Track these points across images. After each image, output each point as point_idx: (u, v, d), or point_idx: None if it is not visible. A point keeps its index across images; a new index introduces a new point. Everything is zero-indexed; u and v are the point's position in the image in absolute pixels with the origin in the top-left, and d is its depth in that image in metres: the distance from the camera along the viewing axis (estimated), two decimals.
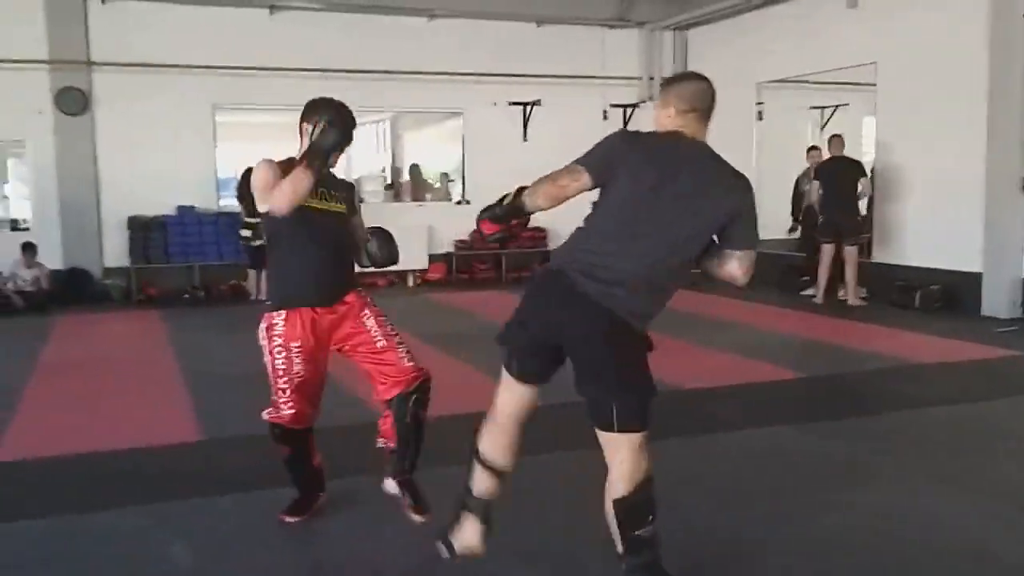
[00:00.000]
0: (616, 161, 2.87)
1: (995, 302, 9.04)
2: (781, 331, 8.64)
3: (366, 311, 3.74)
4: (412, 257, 12.63)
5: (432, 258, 12.80)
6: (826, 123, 14.76)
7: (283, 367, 3.60)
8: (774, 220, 13.38)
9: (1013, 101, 8.78)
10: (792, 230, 12.10)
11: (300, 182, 3.37)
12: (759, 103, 12.53)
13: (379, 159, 17.02)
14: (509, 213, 3.07)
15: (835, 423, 5.31)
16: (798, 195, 10.83)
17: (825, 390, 6.30)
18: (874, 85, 11.96)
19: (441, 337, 8.25)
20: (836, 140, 10.26)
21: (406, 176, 14.63)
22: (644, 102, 13.53)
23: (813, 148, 11.00)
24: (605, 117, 13.37)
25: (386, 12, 12.19)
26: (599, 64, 13.23)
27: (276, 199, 3.40)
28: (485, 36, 12.71)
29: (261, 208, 3.54)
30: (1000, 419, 5.41)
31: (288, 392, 3.62)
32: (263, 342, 3.63)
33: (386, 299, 11.49)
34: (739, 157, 12.07)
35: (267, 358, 3.63)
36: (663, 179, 2.82)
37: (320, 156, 3.45)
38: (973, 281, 9.22)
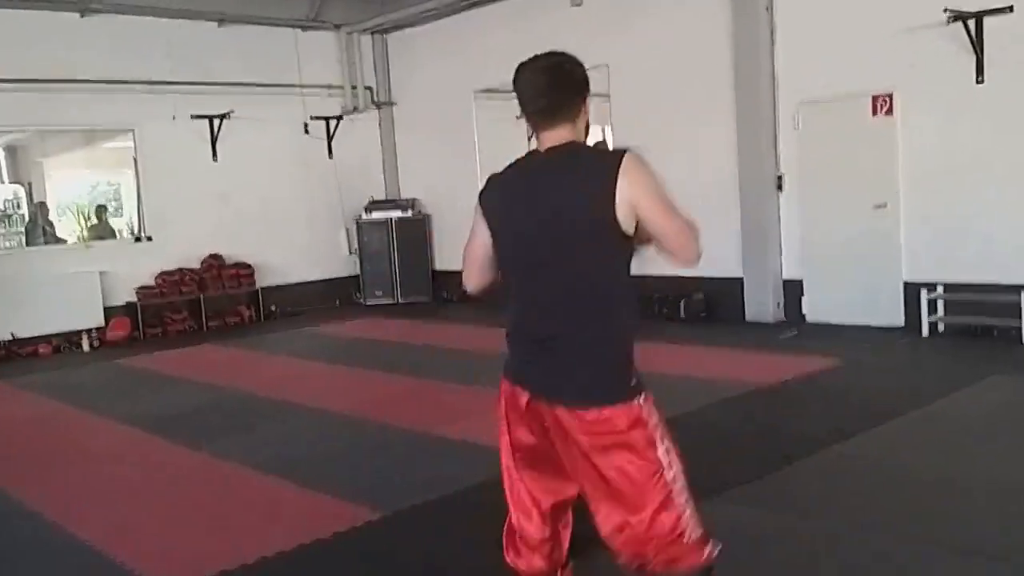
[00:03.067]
0: None
1: (758, 307, 8.78)
2: None
3: None
4: (84, 314, 10.09)
5: (109, 312, 10.29)
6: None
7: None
8: None
9: (761, 97, 8.57)
10: None
11: None
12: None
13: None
14: None
15: (753, 485, 4.29)
16: None
17: (708, 439, 5.27)
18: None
19: (173, 421, 6.23)
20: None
21: (59, 214, 11.86)
22: (349, 113, 12.06)
23: None
24: (307, 131, 11.71)
25: (23, 5, 9.55)
26: (295, 71, 11.51)
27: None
28: (156, 37, 10.46)
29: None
30: (892, 455, 4.73)
31: None
32: (660, 433, 2.31)
33: (61, 375, 8.90)
34: (465, 176, 10.91)
35: (673, 456, 2.31)
36: None
37: None
38: (734, 287, 8.92)
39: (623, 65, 9.68)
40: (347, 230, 12.20)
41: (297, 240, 11.75)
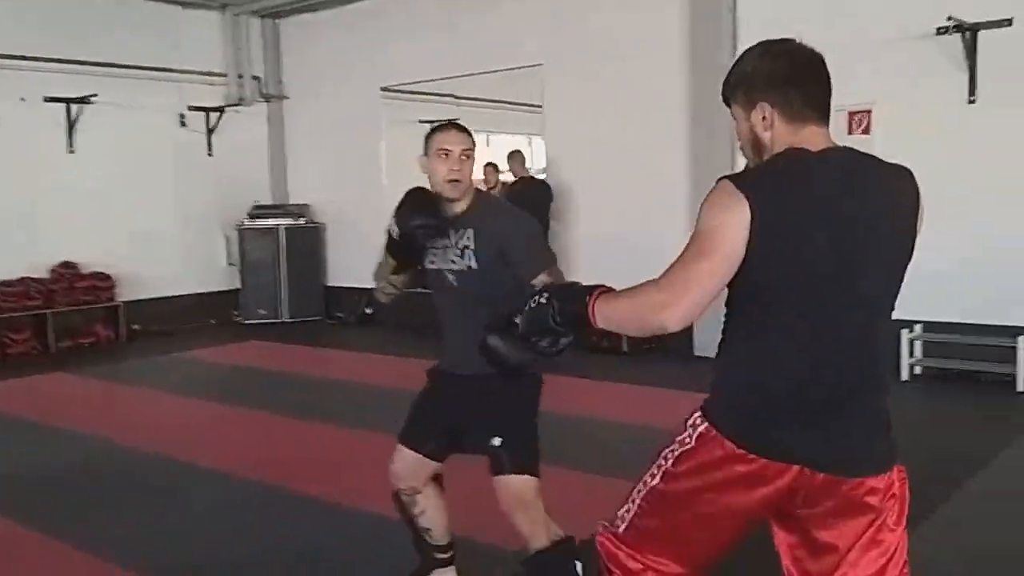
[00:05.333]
0: None
1: (707, 339, 7.90)
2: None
3: None
4: None
5: None
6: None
7: None
8: None
9: (721, 108, 7.69)
10: None
11: None
12: None
13: None
14: None
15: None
16: None
17: None
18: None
19: (19, 491, 4.69)
20: (517, 157, 8.48)
21: None
22: (233, 105, 10.54)
23: (489, 165, 9.12)
24: (183, 123, 10.13)
25: None
26: (173, 54, 9.94)
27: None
28: (4, 2, 8.73)
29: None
30: None
31: None
32: None
33: None
34: (366, 183, 9.67)
35: None
36: None
37: None
38: None
39: (560, 65, 8.68)
40: (227, 238, 10.68)
41: (167, 248, 10.12)
